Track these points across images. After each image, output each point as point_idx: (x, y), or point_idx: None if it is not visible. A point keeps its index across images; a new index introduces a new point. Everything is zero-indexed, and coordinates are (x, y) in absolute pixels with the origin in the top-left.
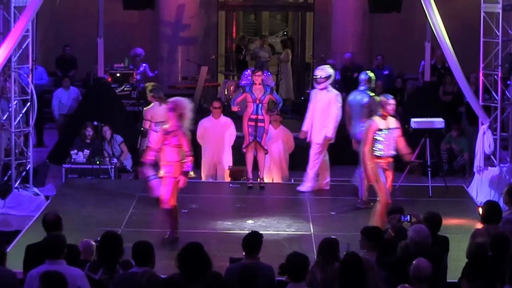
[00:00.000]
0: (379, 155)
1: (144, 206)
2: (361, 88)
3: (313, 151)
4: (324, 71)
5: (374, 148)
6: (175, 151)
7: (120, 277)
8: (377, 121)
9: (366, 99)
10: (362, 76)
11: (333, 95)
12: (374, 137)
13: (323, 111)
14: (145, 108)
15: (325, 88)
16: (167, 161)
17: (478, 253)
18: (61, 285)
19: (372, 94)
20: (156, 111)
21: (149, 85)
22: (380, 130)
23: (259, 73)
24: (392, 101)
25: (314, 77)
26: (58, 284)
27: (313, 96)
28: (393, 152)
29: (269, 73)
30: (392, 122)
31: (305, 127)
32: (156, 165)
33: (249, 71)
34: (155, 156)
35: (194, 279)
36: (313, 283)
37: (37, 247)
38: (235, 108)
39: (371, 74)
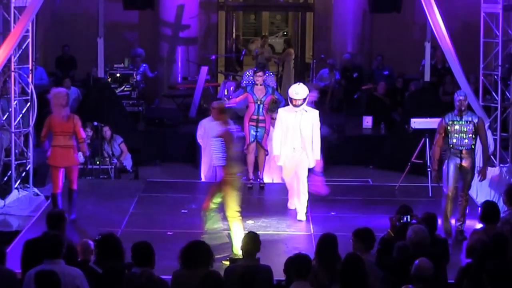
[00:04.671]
0: None
1: (144, 206)
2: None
3: (303, 175)
4: (302, 93)
5: None
6: None
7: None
8: None
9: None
10: (462, 97)
11: (315, 114)
12: None
13: (308, 133)
14: None
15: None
16: None
17: (485, 252)
18: (54, 284)
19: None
20: None
21: None
22: None
23: (260, 73)
24: None
25: (292, 100)
26: (51, 283)
27: (285, 116)
28: None
29: (271, 74)
30: None
31: (278, 150)
32: None
33: (250, 71)
34: None
35: (196, 275)
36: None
37: (36, 243)
38: (231, 103)
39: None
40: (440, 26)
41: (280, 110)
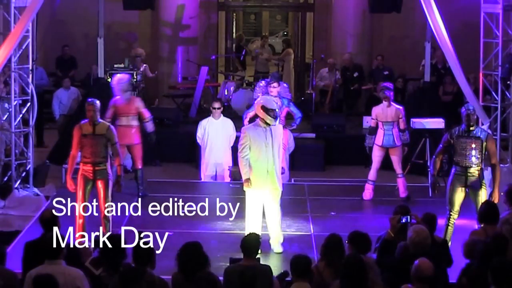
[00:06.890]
0: None
1: (144, 206)
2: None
3: (277, 199)
4: (276, 104)
5: None
6: None
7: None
8: None
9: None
10: (470, 111)
11: (280, 129)
12: None
13: (279, 151)
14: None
15: None
16: None
17: (486, 252)
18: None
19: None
20: None
21: None
22: None
23: (275, 84)
24: None
25: (272, 111)
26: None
27: (255, 134)
28: None
29: (285, 85)
30: None
31: (248, 173)
32: None
33: (263, 82)
34: None
35: (192, 277)
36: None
37: (36, 244)
38: (246, 122)
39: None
40: (440, 26)
41: (248, 128)
